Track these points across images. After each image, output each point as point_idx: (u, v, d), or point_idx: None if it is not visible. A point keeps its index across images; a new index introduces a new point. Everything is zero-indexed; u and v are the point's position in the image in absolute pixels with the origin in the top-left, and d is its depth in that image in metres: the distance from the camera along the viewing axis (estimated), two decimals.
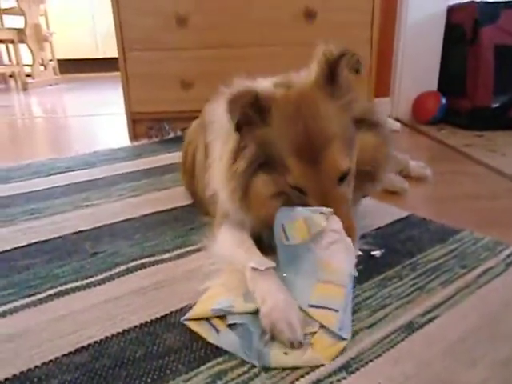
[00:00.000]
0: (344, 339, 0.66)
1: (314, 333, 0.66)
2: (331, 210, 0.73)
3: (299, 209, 0.75)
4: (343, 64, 0.76)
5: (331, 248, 0.72)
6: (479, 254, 0.93)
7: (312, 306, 0.69)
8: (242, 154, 0.78)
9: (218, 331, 0.68)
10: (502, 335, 0.68)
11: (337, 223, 0.73)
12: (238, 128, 0.77)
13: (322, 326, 0.67)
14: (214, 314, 0.70)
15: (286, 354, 0.64)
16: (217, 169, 0.88)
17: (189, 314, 0.72)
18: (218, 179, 0.86)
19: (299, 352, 0.64)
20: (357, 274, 0.75)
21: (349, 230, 0.74)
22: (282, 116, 0.76)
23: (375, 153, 0.83)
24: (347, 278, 0.71)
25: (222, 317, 0.70)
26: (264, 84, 0.84)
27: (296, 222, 0.74)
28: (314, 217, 0.73)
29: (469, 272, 0.86)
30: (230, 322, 0.68)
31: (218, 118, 0.91)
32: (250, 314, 0.69)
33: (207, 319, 0.70)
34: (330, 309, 0.68)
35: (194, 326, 0.71)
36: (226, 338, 0.67)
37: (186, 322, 0.72)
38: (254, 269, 0.73)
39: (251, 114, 0.76)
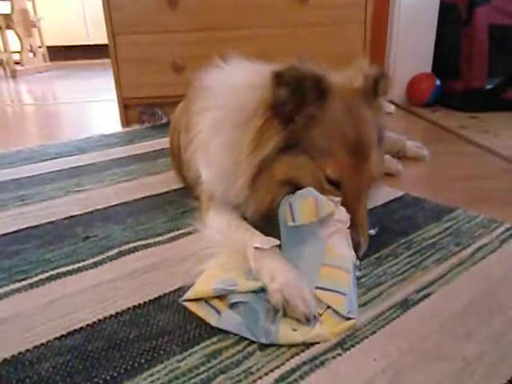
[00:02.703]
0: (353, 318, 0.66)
1: (320, 314, 0.66)
2: (340, 199, 0.74)
3: (310, 188, 0.74)
4: (382, 83, 0.82)
5: (334, 237, 0.72)
6: (474, 231, 0.93)
7: (319, 288, 0.68)
8: (276, 128, 0.75)
9: (219, 313, 0.67)
10: (495, 310, 0.69)
11: (343, 214, 0.73)
12: (285, 101, 0.74)
13: (328, 308, 0.66)
14: (215, 293, 0.68)
15: (294, 330, 0.63)
16: (204, 142, 0.86)
17: (188, 294, 0.71)
18: (205, 153, 0.84)
19: (307, 328, 0.63)
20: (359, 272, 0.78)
21: (364, 245, 0.77)
22: (338, 104, 0.76)
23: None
24: (351, 265, 0.71)
25: (222, 298, 0.69)
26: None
27: (306, 201, 0.73)
28: (324, 199, 0.72)
29: (463, 249, 0.86)
30: (233, 301, 0.67)
31: (219, 83, 0.88)
32: (253, 292, 0.68)
33: (206, 301, 0.69)
34: (338, 292, 0.67)
35: (192, 307, 0.70)
36: (228, 319, 0.66)
37: (184, 303, 0.71)
38: (258, 248, 0.72)
39: (311, 89, 0.74)
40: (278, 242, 0.74)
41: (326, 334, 0.63)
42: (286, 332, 0.63)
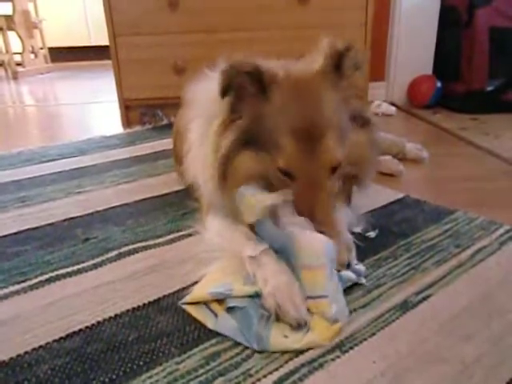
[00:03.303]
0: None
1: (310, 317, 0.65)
2: (288, 190, 0.72)
3: (247, 187, 0.74)
4: (348, 58, 0.75)
5: (295, 229, 0.70)
6: (473, 233, 0.93)
7: (308, 298, 0.67)
8: (231, 127, 0.76)
9: (216, 316, 0.67)
10: (494, 312, 0.68)
11: (283, 204, 0.72)
12: (233, 99, 0.75)
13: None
14: (212, 297, 0.68)
15: (285, 337, 0.63)
16: (196, 152, 0.86)
17: (187, 298, 0.71)
18: (198, 163, 0.84)
19: (298, 335, 0.63)
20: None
21: (330, 232, 0.70)
22: (283, 93, 0.73)
23: (364, 152, 0.81)
24: (323, 257, 0.67)
25: (220, 301, 0.69)
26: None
27: (245, 200, 0.73)
28: (257, 194, 0.72)
29: (463, 251, 0.86)
30: (230, 305, 0.67)
31: (200, 95, 0.89)
32: (249, 297, 0.68)
33: (205, 304, 0.69)
34: (319, 297, 0.66)
35: (191, 310, 0.70)
36: (224, 323, 0.66)
37: (183, 306, 0.71)
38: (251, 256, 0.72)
39: (249, 83, 0.74)
40: (267, 246, 0.73)
41: (317, 340, 0.63)
42: (278, 339, 0.63)
